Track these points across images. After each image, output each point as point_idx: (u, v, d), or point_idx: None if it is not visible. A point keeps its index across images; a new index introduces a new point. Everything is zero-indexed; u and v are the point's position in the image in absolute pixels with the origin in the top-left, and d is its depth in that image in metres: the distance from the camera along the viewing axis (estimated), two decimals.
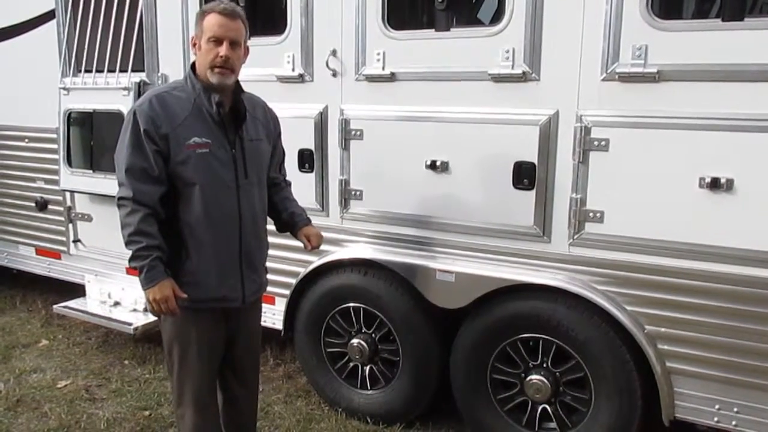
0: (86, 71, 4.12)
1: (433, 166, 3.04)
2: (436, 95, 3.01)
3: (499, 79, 2.85)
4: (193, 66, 2.46)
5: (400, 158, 3.14)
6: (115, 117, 3.92)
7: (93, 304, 4.46)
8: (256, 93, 3.47)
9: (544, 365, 3.01)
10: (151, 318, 4.15)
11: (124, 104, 3.90)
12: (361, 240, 3.34)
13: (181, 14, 3.67)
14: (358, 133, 3.23)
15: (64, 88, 4.19)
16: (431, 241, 3.13)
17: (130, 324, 4.08)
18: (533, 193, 2.86)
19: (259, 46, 3.43)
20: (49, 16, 4.33)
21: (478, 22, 3.78)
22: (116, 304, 4.38)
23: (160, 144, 2.33)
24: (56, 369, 4.18)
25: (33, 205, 4.70)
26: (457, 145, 2.99)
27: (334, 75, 3.25)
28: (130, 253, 2.33)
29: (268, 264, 3.59)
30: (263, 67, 3.44)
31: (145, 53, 3.88)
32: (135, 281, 4.24)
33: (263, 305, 3.66)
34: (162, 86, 2.54)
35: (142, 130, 2.31)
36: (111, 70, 4.01)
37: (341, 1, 3.17)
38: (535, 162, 2.83)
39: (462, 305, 3.08)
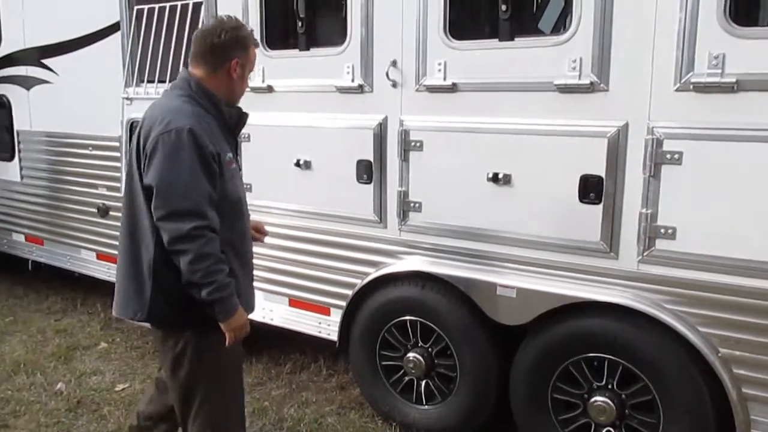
0: (148, 81, 4.20)
1: (495, 178, 2.97)
2: (499, 106, 2.95)
3: (565, 89, 2.77)
4: (200, 82, 2.34)
5: (460, 170, 3.08)
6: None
7: None
8: (316, 103, 3.51)
9: (609, 386, 2.89)
10: None
11: None
12: (419, 252, 3.29)
13: None
14: (418, 144, 3.19)
15: (126, 98, 4.28)
16: (492, 255, 3.06)
17: None
18: (600, 207, 2.76)
19: (318, 57, 3.47)
20: (113, 28, 4.44)
21: (539, 32, 3.69)
22: None
23: (215, 164, 2.25)
24: (114, 372, 4.26)
25: (95, 211, 4.82)
26: (521, 158, 2.92)
27: (394, 86, 3.22)
28: (209, 285, 2.18)
29: (325, 274, 3.62)
30: (322, 78, 3.44)
31: None
32: None
33: (317, 315, 3.71)
34: (174, 102, 2.30)
35: (207, 151, 2.21)
36: (172, 81, 4.07)
37: (402, 11, 3.14)
38: (603, 175, 2.73)
39: (523, 322, 3.00)
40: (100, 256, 4.92)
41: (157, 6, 4.12)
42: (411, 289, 3.33)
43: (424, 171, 3.21)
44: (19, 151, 5.26)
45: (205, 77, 2.34)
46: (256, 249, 3.80)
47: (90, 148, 4.79)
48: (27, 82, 5.09)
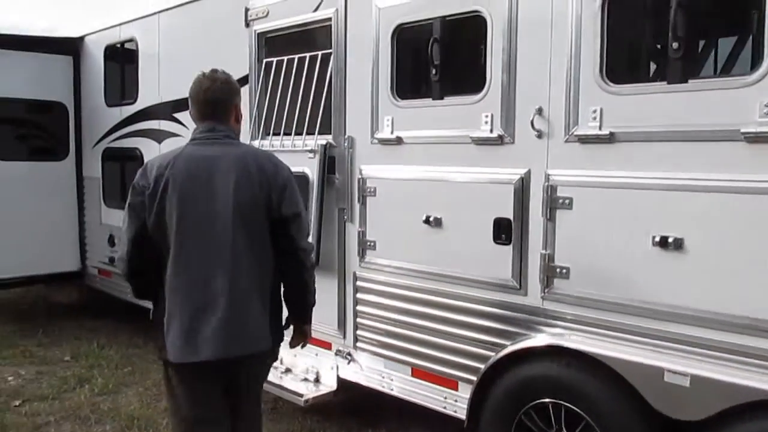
0: (274, 134, 4.12)
1: (662, 243, 2.52)
2: (668, 158, 2.52)
3: (755, 138, 2.31)
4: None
5: (619, 232, 2.66)
6: (300, 180, 3.83)
7: None
8: (449, 155, 3.25)
9: None
10: (322, 390, 3.94)
11: (309, 166, 3.82)
12: (565, 325, 2.87)
13: (371, 77, 3.53)
14: (567, 201, 2.81)
15: None
16: (659, 333, 2.58)
17: (301, 396, 3.87)
18: None
19: (453, 105, 3.22)
20: (241, 81, 4.43)
21: (706, 73, 3.25)
22: (287, 371, 4.22)
23: None
24: None
25: None
26: (696, 219, 2.46)
27: (539, 136, 2.88)
28: (314, 294, 2.67)
29: (453, 343, 3.27)
30: (457, 128, 3.17)
31: (332, 116, 3.79)
32: (307, 348, 4.07)
33: (442, 388, 3.34)
34: (253, 148, 2.90)
35: None
36: (298, 133, 3.97)
37: (550, 54, 2.83)
38: None
39: (699, 418, 2.47)
40: None
41: (285, 58, 4.07)
42: (554, 368, 2.88)
43: (573, 232, 2.81)
44: None
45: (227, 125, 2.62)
46: (376, 311, 3.59)
47: None
48: (159, 136, 5.23)
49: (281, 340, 2.64)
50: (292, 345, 2.79)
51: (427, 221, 3.30)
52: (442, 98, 3.25)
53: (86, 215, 6.31)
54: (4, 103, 5.94)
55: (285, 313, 2.69)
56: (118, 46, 5.75)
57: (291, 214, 2.50)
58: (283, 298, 2.63)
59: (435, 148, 3.30)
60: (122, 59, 5.75)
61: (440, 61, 3.21)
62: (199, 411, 2.53)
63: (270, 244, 2.49)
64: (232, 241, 2.41)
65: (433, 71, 3.24)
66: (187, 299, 2.41)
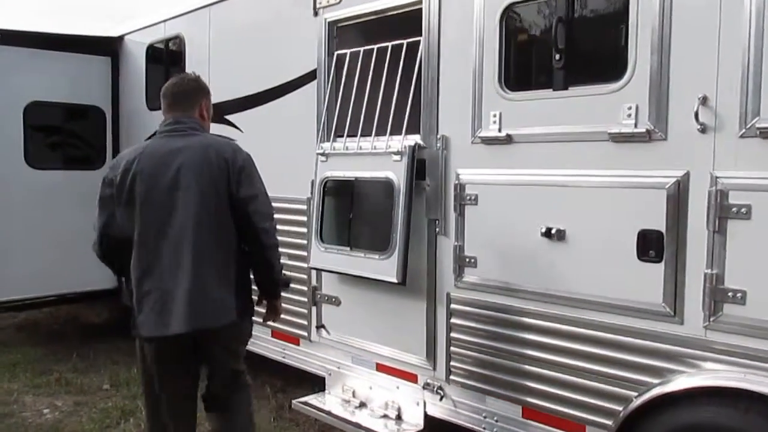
0: (349, 135, 3.63)
1: None
2: None
3: None
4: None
5: None
6: (382, 185, 3.35)
7: (333, 401, 3.84)
8: (576, 155, 2.77)
9: None
10: (407, 430, 3.43)
11: (394, 171, 3.31)
12: (737, 361, 2.34)
13: (472, 67, 3.04)
14: (743, 210, 2.29)
15: (322, 154, 3.73)
16: None
17: None
18: None
19: (582, 96, 2.72)
20: (307, 78, 3.97)
21: None
22: (362, 405, 3.71)
23: None
24: None
25: None
26: None
27: (703, 130, 2.37)
28: (281, 266, 2.89)
29: (580, 379, 2.76)
30: (588, 123, 2.67)
31: (422, 113, 3.30)
32: (386, 379, 3.60)
33: None
34: (213, 137, 2.94)
35: None
36: (379, 134, 3.48)
37: (718, 29, 2.32)
38: None
39: None
40: (276, 334, 4.33)
41: (361, 49, 3.59)
42: (725, 413, 2.35)
43: (751, 247, 2.28)
44: None
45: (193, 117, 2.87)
46: (476, 339, 3.10)
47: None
48: None
49: (250, 314, 2.90)
50: (265, 320, 3.06)
51: (547, 234, 2.79)
52: (566, 88, 2.75)
53: None
54: (37, 107, 5.51)
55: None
56: (162, 44, 5.31)
57: (248, 195, 2.71)
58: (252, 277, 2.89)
59: (557, 146, 2.79)
60: (167, 58, 5.29)
61: (565, 44, 2.72)
62: (169, 386, 2.85)
63: (234, 226, 2.72)
64: (195, 225, 2.65)
65: (557, 57, 2.74)
66: (158, 280, 2.64)
